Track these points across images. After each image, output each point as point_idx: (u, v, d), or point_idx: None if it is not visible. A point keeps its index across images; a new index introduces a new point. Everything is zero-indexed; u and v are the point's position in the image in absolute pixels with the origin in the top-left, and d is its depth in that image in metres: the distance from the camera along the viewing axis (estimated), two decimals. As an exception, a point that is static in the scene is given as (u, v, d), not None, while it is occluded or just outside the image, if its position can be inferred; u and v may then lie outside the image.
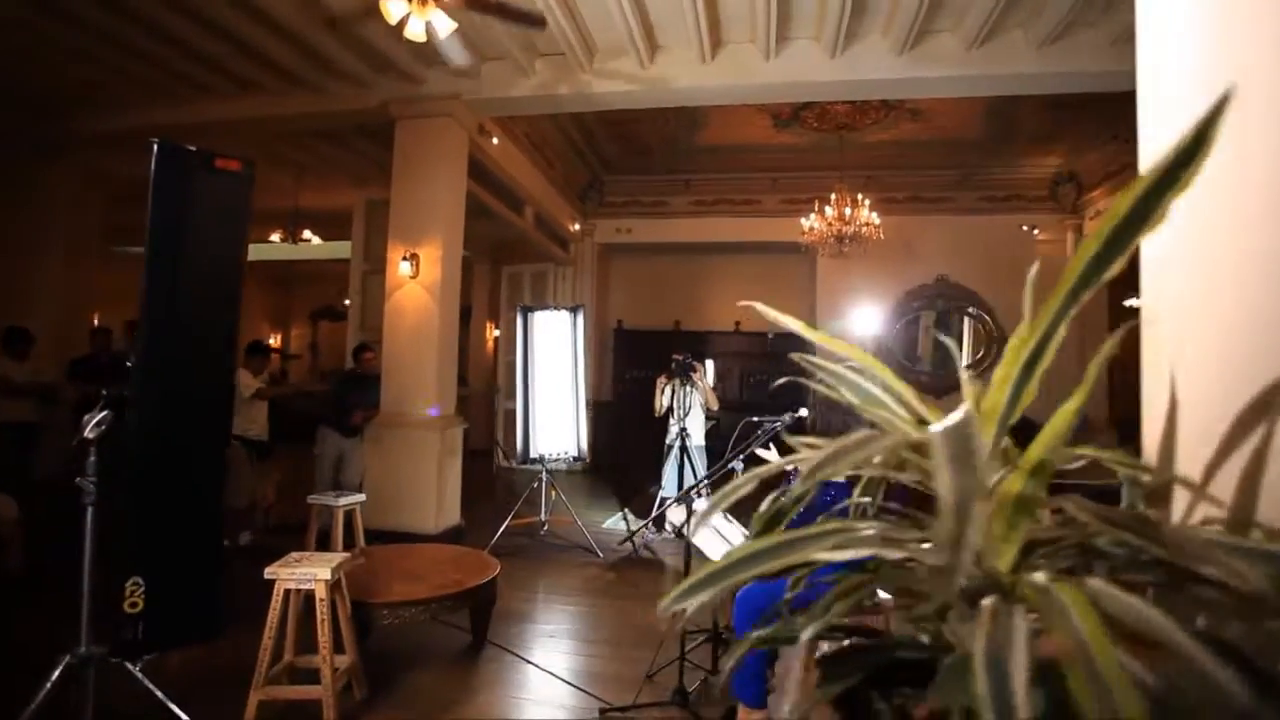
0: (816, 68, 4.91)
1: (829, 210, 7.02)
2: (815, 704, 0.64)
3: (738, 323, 10.66)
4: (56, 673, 1.71)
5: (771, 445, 3.48)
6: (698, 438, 5.40)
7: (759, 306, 0.92)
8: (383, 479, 5.21)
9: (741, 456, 3.42)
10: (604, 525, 6.01)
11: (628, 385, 10.43)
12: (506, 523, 5.18)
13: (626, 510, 6.39)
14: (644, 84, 5.16)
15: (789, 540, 0.64)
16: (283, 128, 6.28)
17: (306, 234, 7.46)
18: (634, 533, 5.26)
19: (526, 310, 5.55)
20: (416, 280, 5.44)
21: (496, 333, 11.21)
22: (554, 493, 5.42)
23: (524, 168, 7.44)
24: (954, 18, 4.47)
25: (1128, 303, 5.70)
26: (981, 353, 8.51)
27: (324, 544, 4.16)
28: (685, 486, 5.35)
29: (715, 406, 5.41)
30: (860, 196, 6.99)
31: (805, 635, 0.64)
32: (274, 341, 14.57)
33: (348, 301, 7.45)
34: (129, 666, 1.78)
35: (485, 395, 10.19)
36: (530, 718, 2.77)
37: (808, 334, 0.84)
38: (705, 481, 3.27)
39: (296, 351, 13.96)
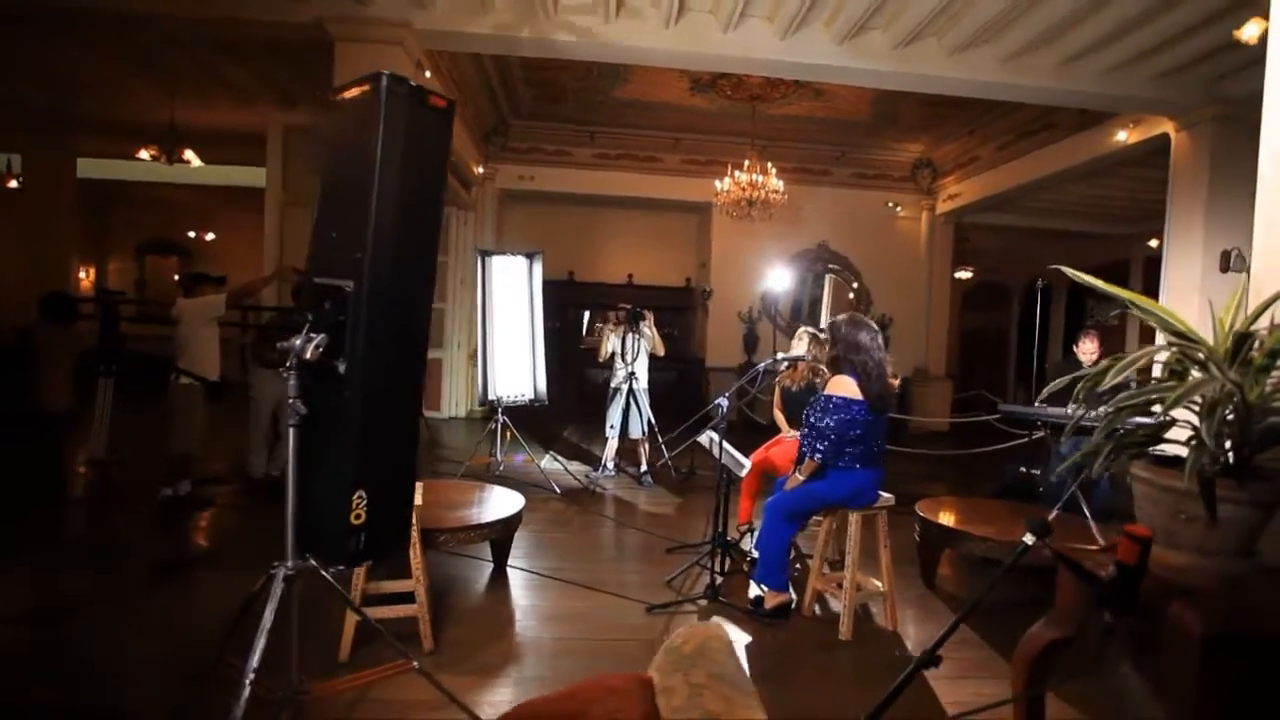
0: (767, 46, 5.38)
1: (741, 176, 7.64)
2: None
3: (630, 275, 11.12)
4: (278, 590, 1.77)
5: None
6: (644, 381, 5.83)
7: (1069, 271, 1.38)
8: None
9: (726, 394, 3.94)
10: (540, 466, 6.28)
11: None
12: (466, 463, 5.28)
13: (553, 452, 6.69)
14: (605, 39, 5.29)
15: (1150, 394, 1.14)
16: (180, 32, 5.48)
17: (189, 155, 6.54)
18: (648, 470, 5.85)
19: (485, 254, 5.54)
20: (362, 217, 5.18)
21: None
22: (509, 434, 5.58)
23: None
24: (888, 18, 5.14)
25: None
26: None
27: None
28: (632, 425, 5.81)
29: (662, 352, 5.86)
30: (769, 165, 7.67)
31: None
32: (85, 277, 12.46)
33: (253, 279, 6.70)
34: (325, 575, 1.89)
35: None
36: (584, 623, 3.11)
37: (1145, 303, 1.31)
38: (723, 414, 3.70)
39: (120, 289, 12.04)
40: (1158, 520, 1.28)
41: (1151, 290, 9.43)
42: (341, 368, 1.79)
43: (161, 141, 6.47)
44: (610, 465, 5.97)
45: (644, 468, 5.87)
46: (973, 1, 4.80)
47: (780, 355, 4.11)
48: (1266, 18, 3.62)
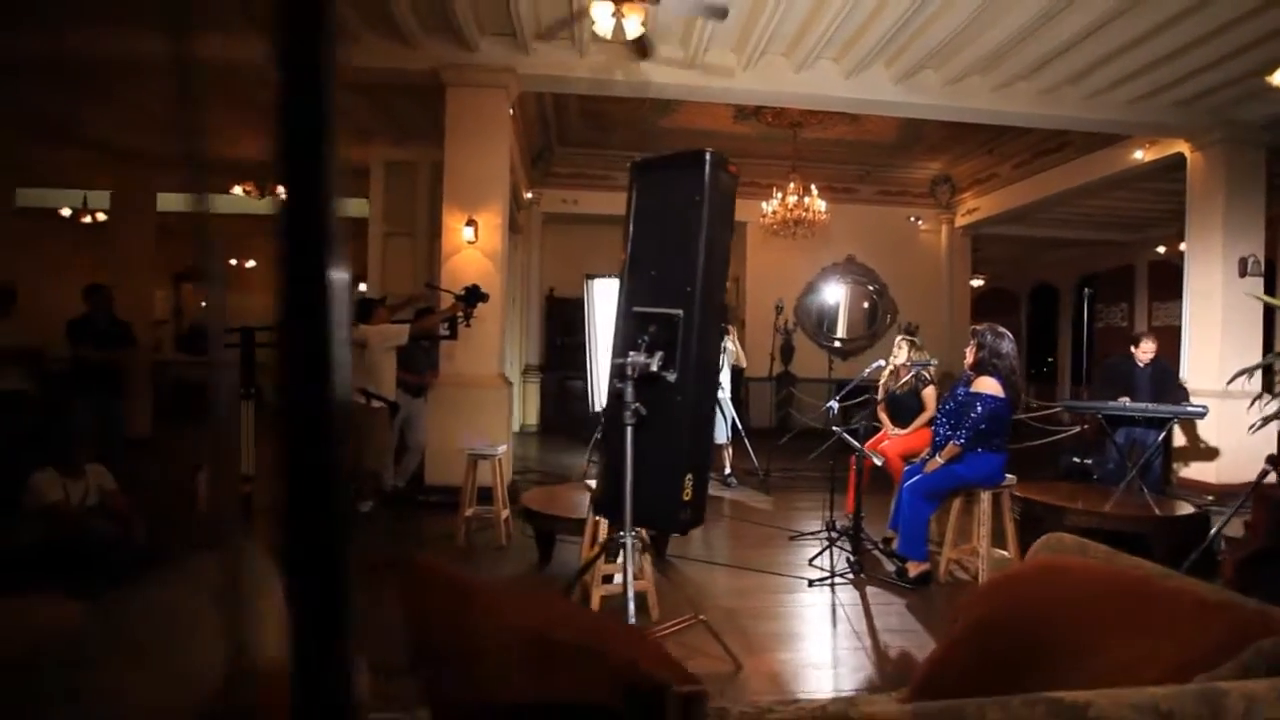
0: (833, 84, 5.99)
1: (790, 198, 8.24)
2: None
3: (662, 291, 11.64)
4: (632, 554, 2.26)
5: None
6: (726, 390, 6.34)
7: None
8: (453, 437, 5.44)
9: (835, 399, 4.51)
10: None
11: (556, 352, 10.92)
12: (587, 471, 5.76)
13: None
14: (690, 81, 5.86)
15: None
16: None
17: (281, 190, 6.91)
18: (731, 472, 6.33)
19: (589, 277, 6.05)
20: (475, 246, 5.66)
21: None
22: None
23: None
24: (942, 59, 5.78)
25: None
26: (876, 321, 10.46)
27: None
28: (717, 432, 6.31)
29: (745, 364, 6.40)
30: (812, 187, 8.29)
31: None
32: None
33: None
34: (646, 540, 2.38)
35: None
36: (760, 597, 3.60)
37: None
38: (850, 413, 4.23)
39: (162, 317, 12.25)
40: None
41: (1161, 292, 10.23)
42: (671, 378, 2.30)
43: (256, 177, 6.87)
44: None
45: (728, 470, 6.37)
46: (1016, 49, 5.45)
47: (912, 362, 4.64)
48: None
